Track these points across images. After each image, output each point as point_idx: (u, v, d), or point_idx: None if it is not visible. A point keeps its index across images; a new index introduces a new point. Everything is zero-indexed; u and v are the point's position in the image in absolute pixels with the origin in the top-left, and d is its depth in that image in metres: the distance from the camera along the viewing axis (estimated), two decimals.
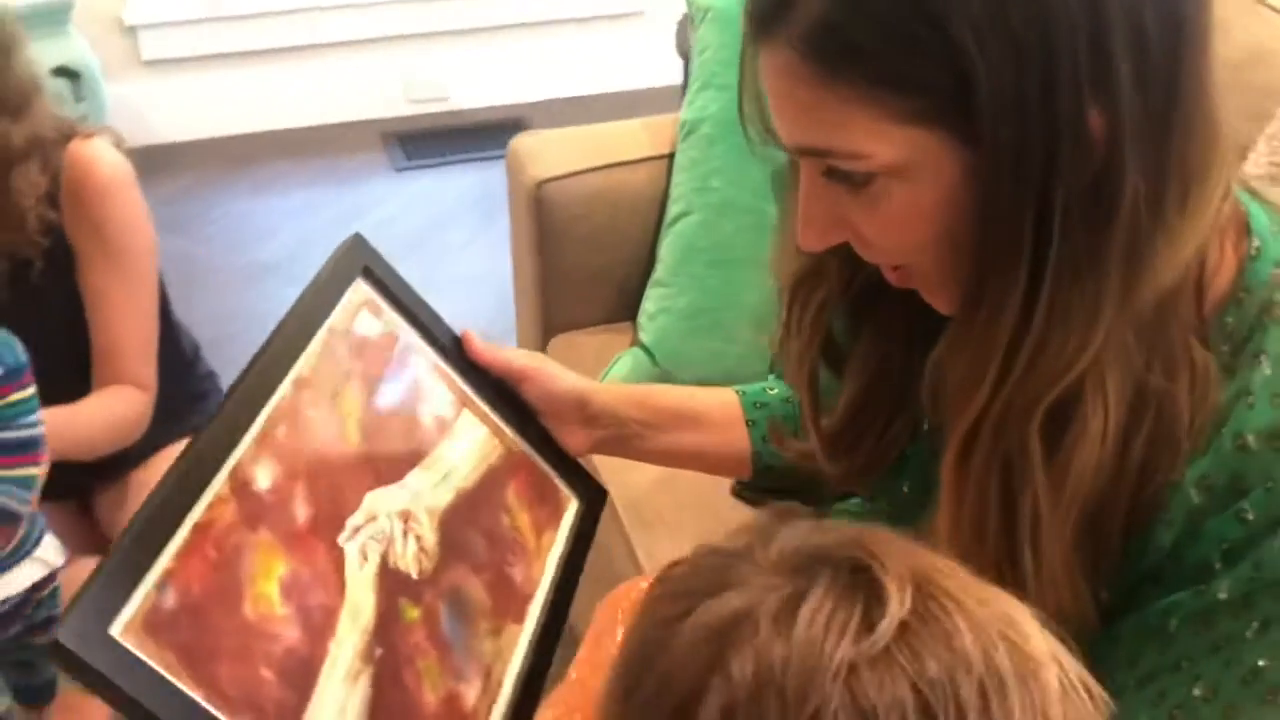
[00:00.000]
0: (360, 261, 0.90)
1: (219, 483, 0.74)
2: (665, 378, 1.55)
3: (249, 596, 0.74)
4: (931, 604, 0.48)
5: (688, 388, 1.06)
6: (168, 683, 0.67)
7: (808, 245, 0.70)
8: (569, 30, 3.10)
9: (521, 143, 1.71)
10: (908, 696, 0.45)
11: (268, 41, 3.10)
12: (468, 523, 0.91)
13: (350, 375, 0.87)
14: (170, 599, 0.69)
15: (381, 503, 0.85)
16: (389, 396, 0.89)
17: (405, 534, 0.86)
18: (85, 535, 1.58)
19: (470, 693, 0.85)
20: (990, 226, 0.62)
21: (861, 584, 0.49)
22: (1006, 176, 0.60)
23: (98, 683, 0.64)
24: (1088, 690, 0.49)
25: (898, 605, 0.47)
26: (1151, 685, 0.69)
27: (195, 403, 1.62)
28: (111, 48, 2.87)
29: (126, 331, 1.43)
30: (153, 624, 0.68)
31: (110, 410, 1.43)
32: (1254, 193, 0.69)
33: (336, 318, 0.86)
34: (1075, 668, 0.50)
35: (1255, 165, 1.10)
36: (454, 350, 0.96)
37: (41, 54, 2.55)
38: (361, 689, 0.78)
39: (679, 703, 0.48)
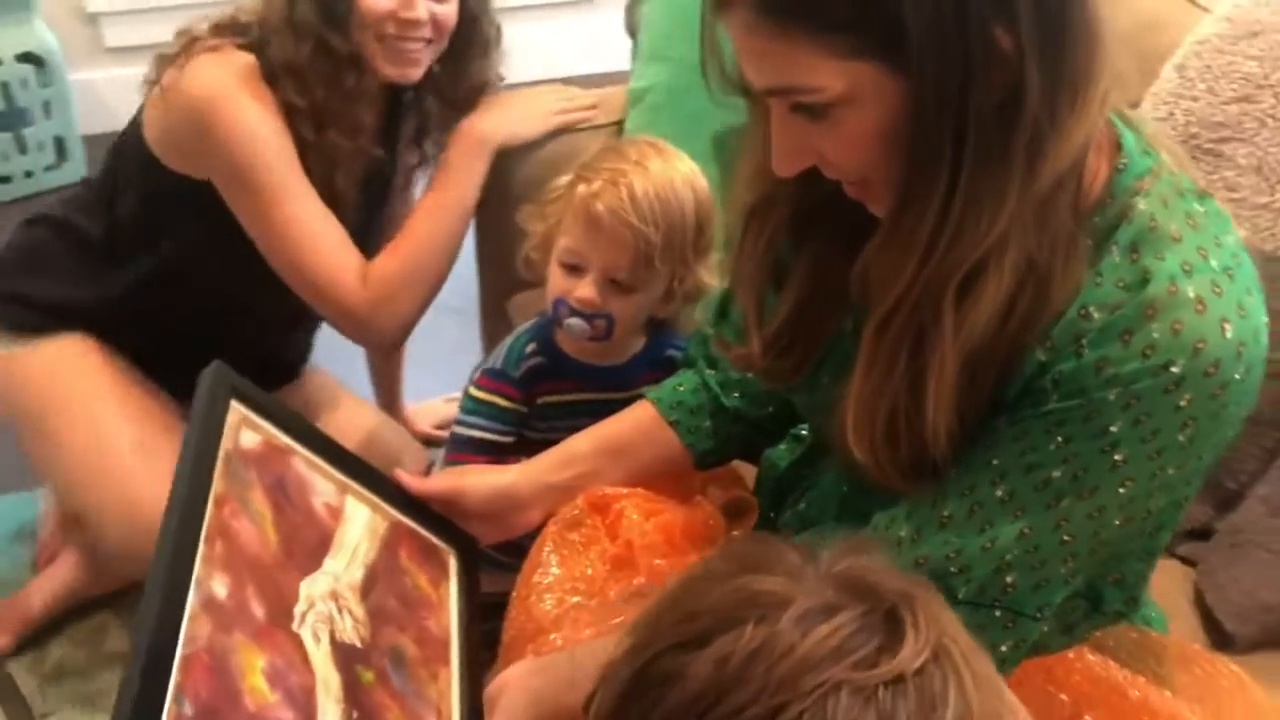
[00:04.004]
0: (228, 384, 0.98)
1: (191, 599, 0.81)
2: None
3: (245, 690, 0.81)
4: (935, 672, 0.52)
5: (604, 422, 1.16)
6: None
7: (782, 171, 0.81)
8: (527, 16, 3.13)
9: None
10: None
11: None
12: (383, 592, 1.01)
13: (251, 485, 0.95)
14: (188, 709, 0.76)
15: (313, 588, 0.94)
16: (286, 496, 0.98)
17: (340, 611, 0.95)
18: None
19: None
20: (919, 137, 0.73)
21: (889, 627, 0.53)
22: (931, 93, 0.71)
23: None
24: None
25: (909, 657, 0.51)
26: (966, 477, 0.83)
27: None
28: (74, 35, 2.89)
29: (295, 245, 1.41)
30: None
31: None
32: (1126, 118, 0.83)
33: (227, 438, 0.94)
34: None
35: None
36: (321, 445, 1.05)
37: (5, 41, 2.51)
38: None
39: (690, 639, 0.54)
